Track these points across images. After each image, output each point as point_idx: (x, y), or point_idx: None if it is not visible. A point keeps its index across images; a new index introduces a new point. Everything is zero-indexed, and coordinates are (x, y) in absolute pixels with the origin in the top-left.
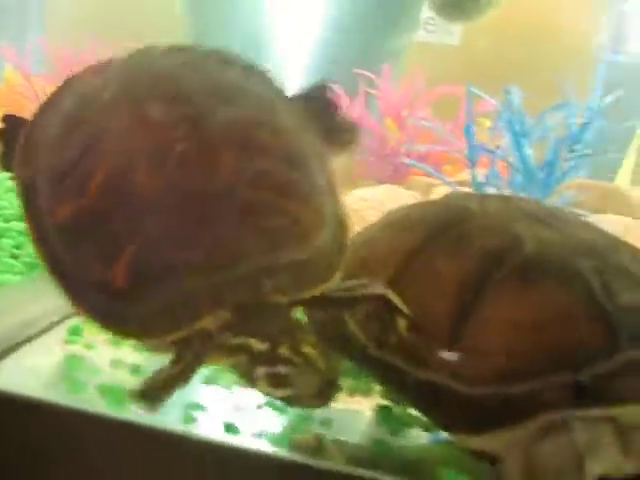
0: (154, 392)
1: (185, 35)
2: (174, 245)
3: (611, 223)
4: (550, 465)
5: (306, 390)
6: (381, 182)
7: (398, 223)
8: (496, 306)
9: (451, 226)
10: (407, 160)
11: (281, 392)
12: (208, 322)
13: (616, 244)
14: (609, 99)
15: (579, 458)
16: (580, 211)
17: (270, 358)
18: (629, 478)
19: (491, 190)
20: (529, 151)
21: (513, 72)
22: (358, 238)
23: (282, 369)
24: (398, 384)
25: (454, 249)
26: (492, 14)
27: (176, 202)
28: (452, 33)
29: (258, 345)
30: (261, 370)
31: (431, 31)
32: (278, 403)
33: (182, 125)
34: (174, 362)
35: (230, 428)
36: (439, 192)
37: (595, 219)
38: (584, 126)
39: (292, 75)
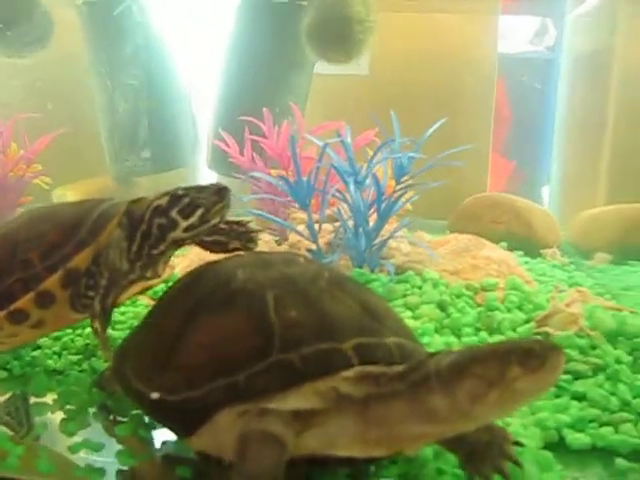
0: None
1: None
2: None
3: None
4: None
5: None
6: None
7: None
8: (193, 334)
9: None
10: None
11: None
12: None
13: (318, 276)
14: (430, 131)
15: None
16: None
17: None
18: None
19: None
20: (353, 189)
21: (421, 96)
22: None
23: None
24: (140, 405)
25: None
26: (397, 43)
27: None
28: (360, 64)
29: None
30: None
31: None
32: None
33: None
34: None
35: None
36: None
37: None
38: (403, 160)
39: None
